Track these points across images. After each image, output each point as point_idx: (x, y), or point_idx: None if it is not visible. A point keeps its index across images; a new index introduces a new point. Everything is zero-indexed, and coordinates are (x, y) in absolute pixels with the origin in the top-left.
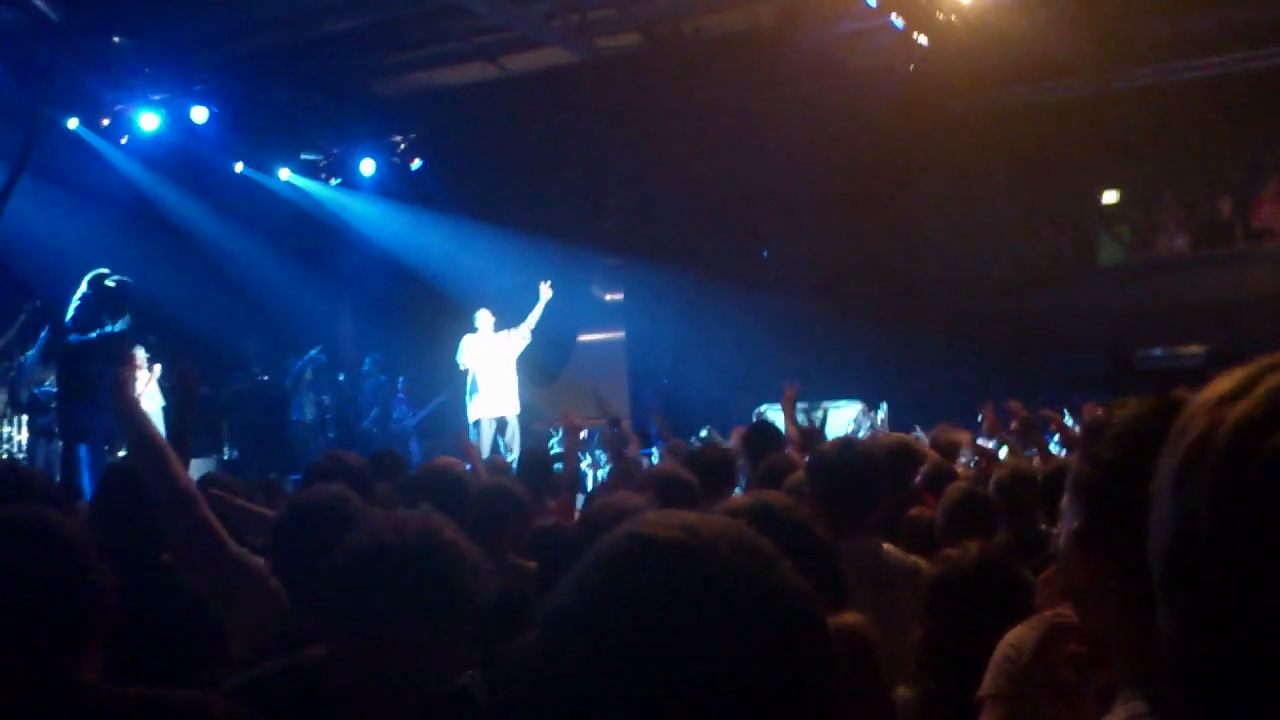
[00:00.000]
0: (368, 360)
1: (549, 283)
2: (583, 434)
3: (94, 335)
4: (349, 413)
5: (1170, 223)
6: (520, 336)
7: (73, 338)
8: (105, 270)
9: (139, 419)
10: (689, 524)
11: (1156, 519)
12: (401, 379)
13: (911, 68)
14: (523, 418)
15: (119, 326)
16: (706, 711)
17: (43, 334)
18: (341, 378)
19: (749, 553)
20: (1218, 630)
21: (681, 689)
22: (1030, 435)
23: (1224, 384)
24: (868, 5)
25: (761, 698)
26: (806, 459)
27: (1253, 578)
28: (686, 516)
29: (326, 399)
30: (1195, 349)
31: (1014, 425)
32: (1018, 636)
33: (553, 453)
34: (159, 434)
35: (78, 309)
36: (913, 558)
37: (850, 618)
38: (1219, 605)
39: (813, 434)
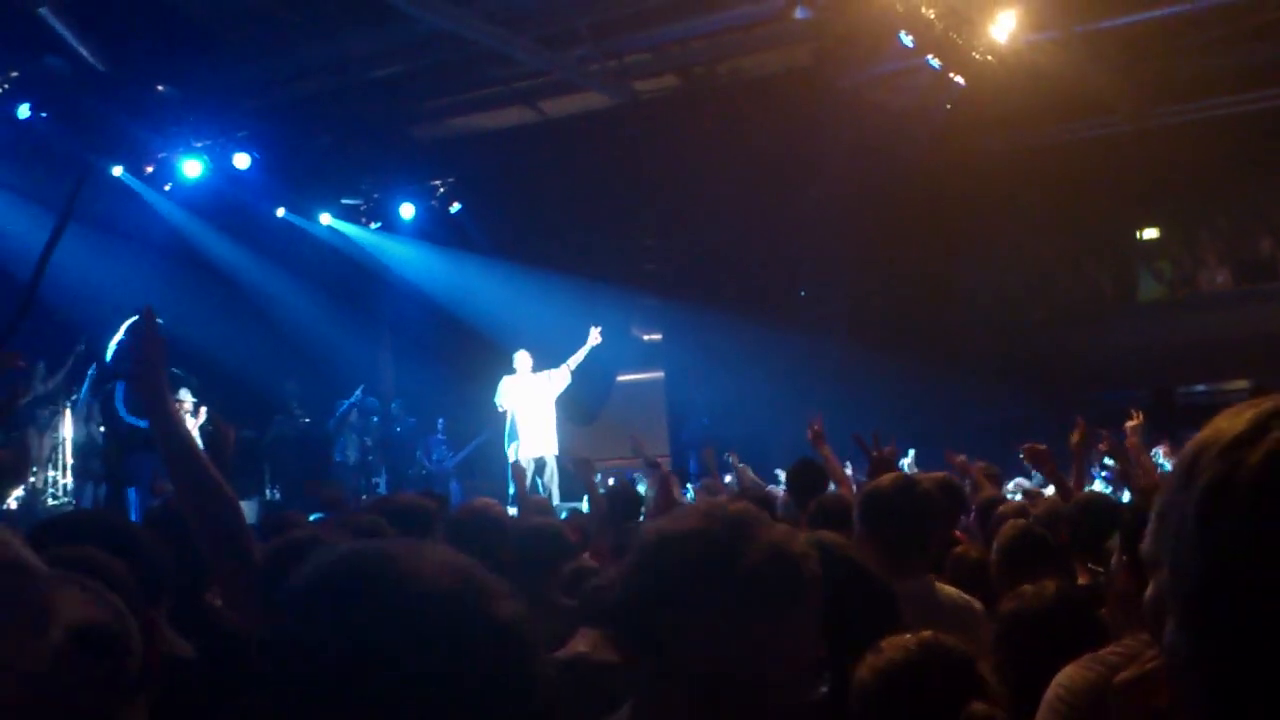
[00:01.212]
0: (394, 404)
1: (599, 329)
2: (610, 480)
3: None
4: (393, 454)
5: (1210, 259)
6: (561, 377)
7: (119, 387)
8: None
9: (180, 434)
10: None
11: (1175, 555)
12: (441, 420)
13: (948, 107)
14: (560, 458)
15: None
16: None
17: (90, 372)
18: (375, 419)
19: (462, 579)
20: (1263, 660)
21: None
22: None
23: (1231, 426)
24: (904, 46)
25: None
26: (861, 496)
27: None
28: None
29: (369, 440)
30: (1239, 384)
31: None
32: (1069, 677)
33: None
34: (204, 456)
35: (117, 357)
36: (966, 597)
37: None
38: (1263, 635)
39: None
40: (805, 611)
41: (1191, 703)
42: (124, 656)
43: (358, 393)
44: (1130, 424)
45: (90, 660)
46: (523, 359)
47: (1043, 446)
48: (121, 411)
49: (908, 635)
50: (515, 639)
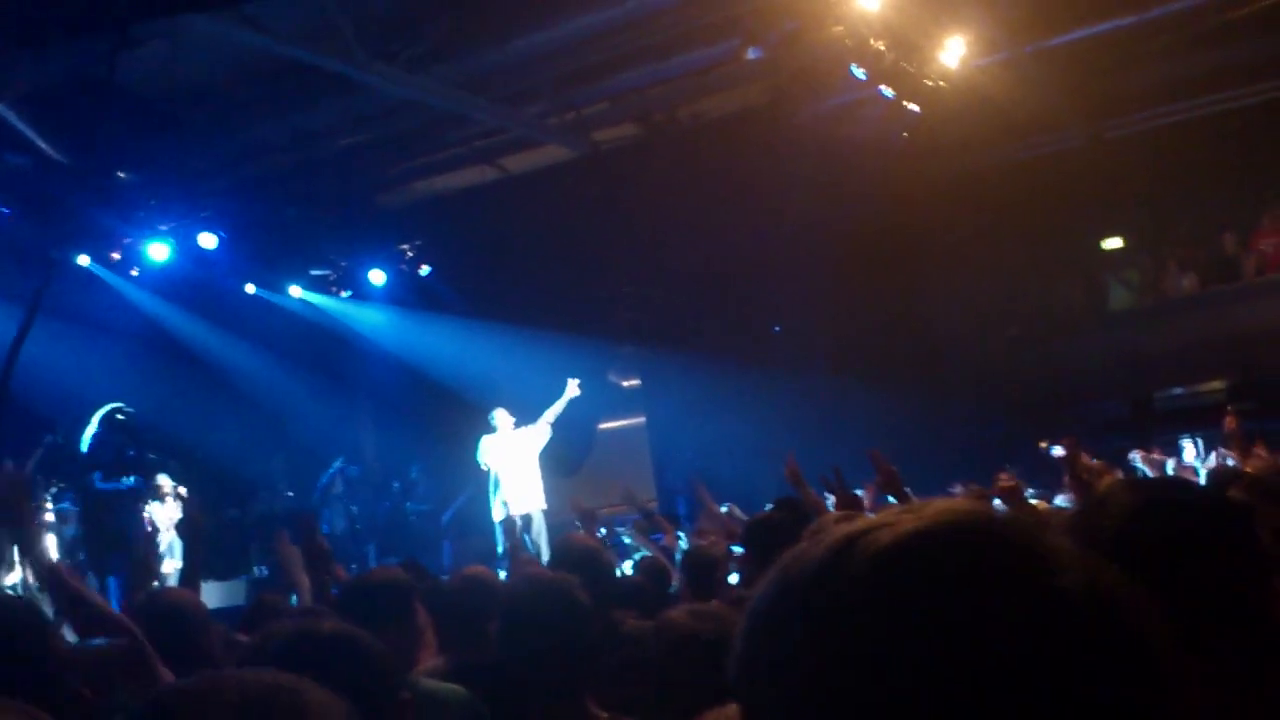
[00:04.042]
0: (335, 464)
1: (578, 381)
2: (601, 530)
3: (124, 485)
4: (383, 521)
5: (1176, 263)
6: (541, 432)
7: (99, 484)
8: (118, 405)
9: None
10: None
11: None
12: (414, 468)
13: (905, 135)
14: (547, 514)
15: (133, 482)
16: None
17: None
18: (362, 487)
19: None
20: None
21: None
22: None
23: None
24: (856, 78)
25: None
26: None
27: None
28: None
29: (355, 509)
30: (1216, 385)
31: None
32: None
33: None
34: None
35: (94, 448)
36: None
37: None
38: None
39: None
40: None
41: None
42: None
43: (337, 463)
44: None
45: None
46: (502, 416)
47: (1012, 483)
48: (99, 484)
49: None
50: None
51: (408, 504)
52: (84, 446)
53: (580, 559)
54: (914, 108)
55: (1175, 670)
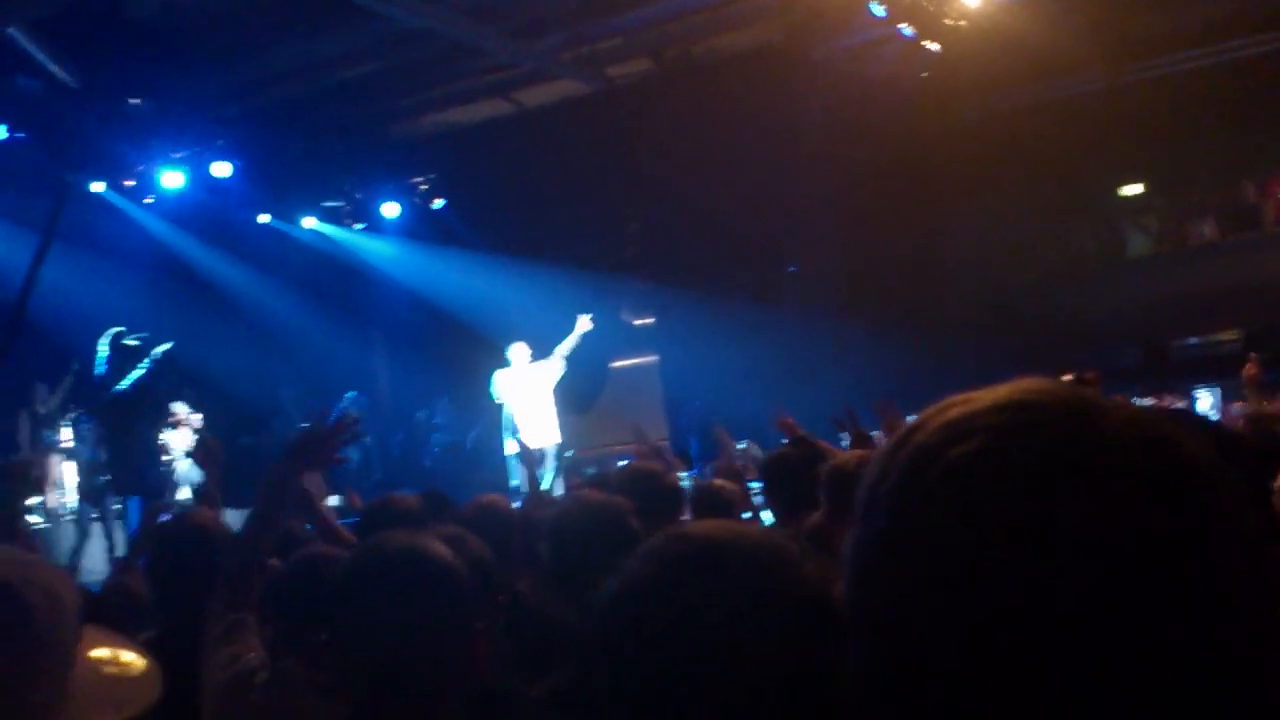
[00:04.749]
0: (348, 396)
1: (589, 315)
2: (621, 462)
3: (128, 386)
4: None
5: (1195, 210)
6: (555, 366)
7: (110, 392)
8: (123, 329)
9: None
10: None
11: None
12: (445, 400)
13: (924, 75)
14: (561, 448)
15: (141, 370)
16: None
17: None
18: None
19: (772, 551)
20: (890, 679)
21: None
22: None
23: (902, 429)
24: (876, 16)
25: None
26: (826, 475)
27: (914, 616)
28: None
29: (369, 440)
30: (1231, 335)
31: None
32: None
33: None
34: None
35: (104, 368)
36: None
37: None
38: (889, 648)
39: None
40: None
41: None
42: (137, 681)
43: (349, 395)
44: (1249, 367)
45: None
46: (519, 351)
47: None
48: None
49: None
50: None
51: (434, 434)
52: (98, 369)
53: (641, 481)
54: (933, 47)
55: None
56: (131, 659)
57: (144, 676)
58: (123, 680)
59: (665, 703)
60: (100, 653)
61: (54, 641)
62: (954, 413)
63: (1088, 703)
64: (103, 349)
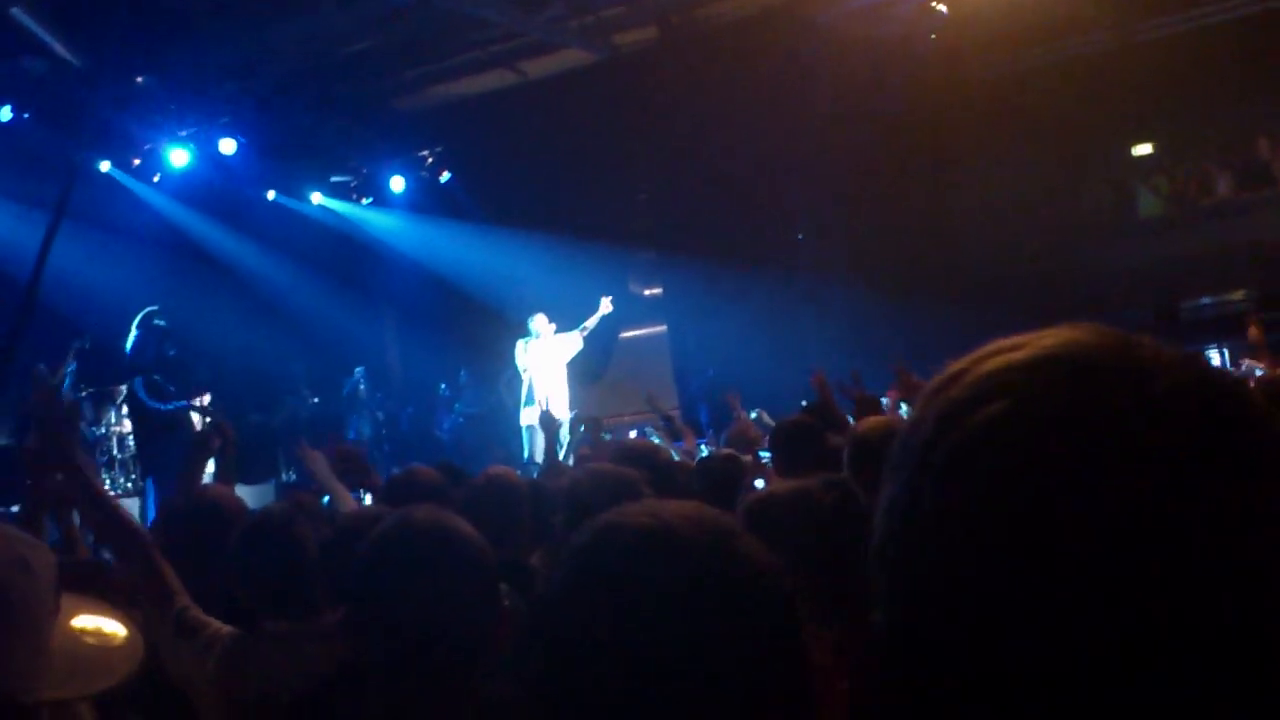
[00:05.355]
0: (357, 371)
1: (610, 298)
2: (632, 432)
3: (141, 359)
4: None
5: (1207, 169)
6: (575, 342)
7: (149, 402)
8: (154, 309)
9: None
10: (654, 509)
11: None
12: (463, 374)
13: (933, 36)
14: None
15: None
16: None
17: (70, 367)
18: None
19: (710, 531)
20: (910, 640)
21: (645, 666)
22: None
23: (937, 379)
24: None
25: (726, 665)
26: (849, 442)
27: (940, 561)
28: (655, 504)
29: (381, 415)
30: (1243, 294)
31: None
32: None
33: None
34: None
35: (135, 350)
36: None
37: None
38: (910, 610)
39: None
40: None
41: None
42: (116, 650)
43: (358, 371)
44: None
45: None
46: (541, 322)
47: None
48: (144, 398)
49: None
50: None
51: (457, 404)
52: (127, 348)
53: (640, 457)
54: (942, 8)
55: None
56: (114, 629)
57: (125, 647)
58: (104, 651)
59: (614, 701)
60: (82, 622)
61: (27, 612)
62: (991, 364)
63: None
64: (135, 328)
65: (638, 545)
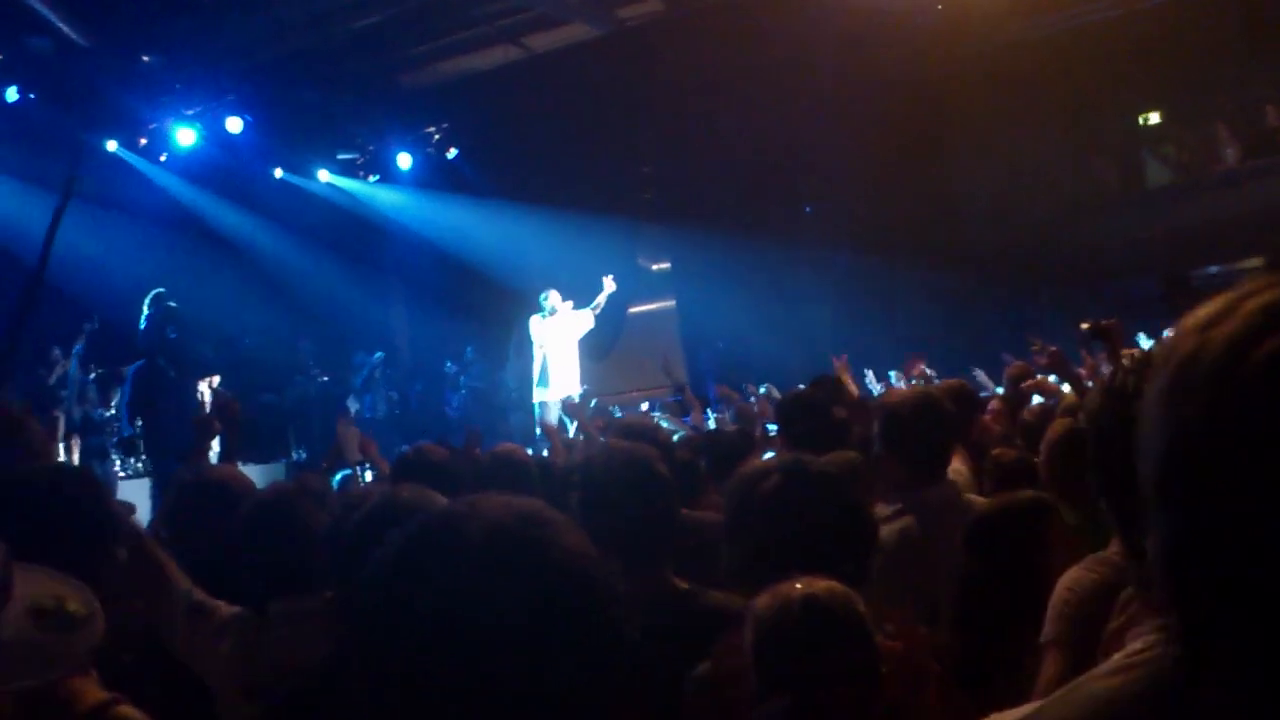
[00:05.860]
0: (377, 355)
1: (612, 277)
2: (644, 405)
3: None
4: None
5: (1216, 137)
6: (587, 320)
7: (155, 361)
8: (163, 290)
9: None
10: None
11: (1145, 440)
12: (469, 349)
13: (939, 6)
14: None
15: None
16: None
17: (77, 348)
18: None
19: (522, 519)
20: (1211, 544)
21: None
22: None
23: (1206, 310)
24: None
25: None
26: (880, 416)
27: (1248, 484)
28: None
29: (395, 395)
30: (1253, 261)
31: (1043, 361)
32: (1074, 579)
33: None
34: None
35: (147, 328)
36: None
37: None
38: (1214, 517)
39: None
40: None
41: (1164, 606)
42: (74, 631)
43: (378, 355)
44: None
45: (43, 631)
46: (556, 299)
47: (1054, 348)
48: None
49: None
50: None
51: (463, 378)
52: (141, 325)
53: (640, 435)
54: None
55: None
56: (74, 607)
57: (84, 626)
58: (60, 634)
59: (421, 684)
60: (41, 601)
61: None
62: (1270, 295)
63: None
64: (146, 308)
65: (448, 529)
